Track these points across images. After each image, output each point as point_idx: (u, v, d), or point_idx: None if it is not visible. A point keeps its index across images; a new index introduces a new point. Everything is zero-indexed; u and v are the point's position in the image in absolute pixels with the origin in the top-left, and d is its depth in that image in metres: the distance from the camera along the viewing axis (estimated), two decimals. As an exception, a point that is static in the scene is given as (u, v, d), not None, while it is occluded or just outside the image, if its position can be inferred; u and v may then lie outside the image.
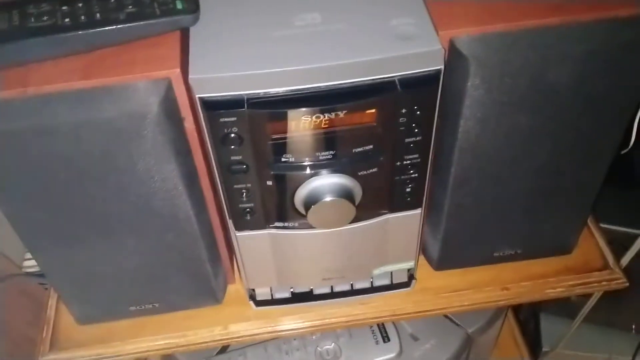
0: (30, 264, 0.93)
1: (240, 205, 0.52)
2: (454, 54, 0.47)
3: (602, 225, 0.73)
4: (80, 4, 0.47)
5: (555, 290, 0.66)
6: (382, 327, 0.78)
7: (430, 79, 0.46)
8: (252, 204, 0.52)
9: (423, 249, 0.67)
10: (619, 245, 0.73)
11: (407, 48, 0.45)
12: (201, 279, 0.62)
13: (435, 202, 0.59)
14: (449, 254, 0.65)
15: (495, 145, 0.53)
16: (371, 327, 0.78)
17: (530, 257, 0.67)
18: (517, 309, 1.06)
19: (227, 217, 0.55)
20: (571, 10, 0.48)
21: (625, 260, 0.82)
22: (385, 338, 0.78)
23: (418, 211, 0.56)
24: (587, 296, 0.95)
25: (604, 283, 0.67)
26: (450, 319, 0.83)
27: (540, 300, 1.06)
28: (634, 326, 1.03)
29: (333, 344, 0.77)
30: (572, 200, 0.61)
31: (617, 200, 0.84)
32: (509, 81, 0.48)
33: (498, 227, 0.62)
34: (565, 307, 1.00)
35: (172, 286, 0.61)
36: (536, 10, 0.48)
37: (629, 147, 0.61)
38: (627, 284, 0.67)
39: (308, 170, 0.49)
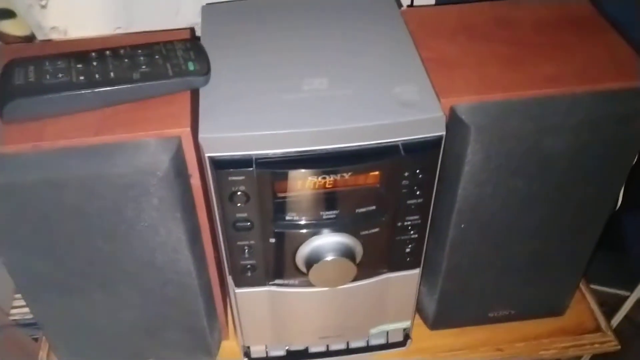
0: (17, 312, 0.92)
1: (241, 262, 0.53)
2: (454, 121, 0.49)
3: (591, 286, 0.74)
4: (94, 63, 0.49)
5: (548, 351, 0.67)
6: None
7: (433, 144, 0.47)
8: (253, 261, 0.52)
9: (418, 309, 0.68)
10: (607, 306, 0.73)
11: (410, 114, 0.47)
12: (197, 333, 0.61)
13: (431, 262, 0.60)
14: (444, 313, 0.65)
15: (493, 208, 0.55)
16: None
17: (524, 318, 0.67)
18: None
19: (227, 272, 0.55)
20: (566, 82, 0.50)
21: (615, 321, 0.83)
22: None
23: (416, 271, 0.57)
24: (576, 358, 0.95)
25: (597, 345, 0.67)
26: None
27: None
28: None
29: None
30: (565, 263, 0.63)
31: (605, 261, 0.85)
32: (506, 148, 0.50)
33: (493, 288, 0.63)
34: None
35: (168, 340, 0.61)
36: (533, 81, 0.50)
37: (616, 208, 0.63)
38: (619, 347, 0.68)
39: (311, 229, 0.50)
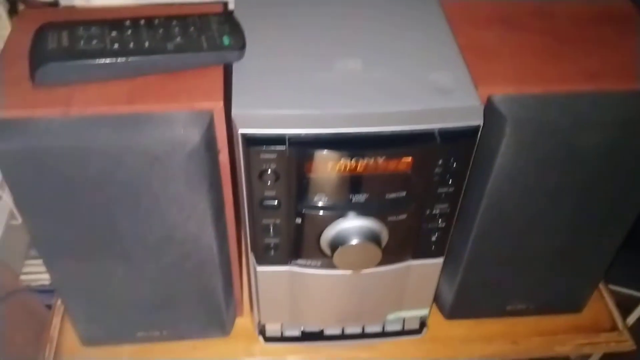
0: (29, 278, 0.92)
1: (265, 240, 0.52)
2: (490, 111, 0.48)
3: (609, 286, 0.73)
4: (129, 31, 0.48)
5: (564, 347, 0.66)
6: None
7: (469, 133, 0.46)
8: (277, 240, 0.52)
9: (436, 297, 0.67)
10: (621, 307, 0.73)
11: (447, 102, 0.46)
12: (213, 309, 0.61)
13: (454, 251, 0.60)
14: (462, 303, 0.65)
15: (521, 201, 0.54)
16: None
17: (541, 313, 0.67)
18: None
19: (249, 250, 0.55)
20: (605, 79, 0.49)
21: (629, 322, 0.82)
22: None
23: (440, 260, 0.56)
24: (586, 356, 0.95)
25: (612, 344, 0.67)
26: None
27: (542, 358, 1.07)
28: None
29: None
30: (589, 261, 0.62)
31: (622, 262, 0.84)
32: (541, 142, 0.49)
33: (513, 281, 0.63)
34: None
35: (183, 314, 0.61)
36: (572, 75, 0.49)
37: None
38: (635, 347, 0.67)
39: (338, 212, 0.49)
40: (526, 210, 0.55)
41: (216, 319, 0.63)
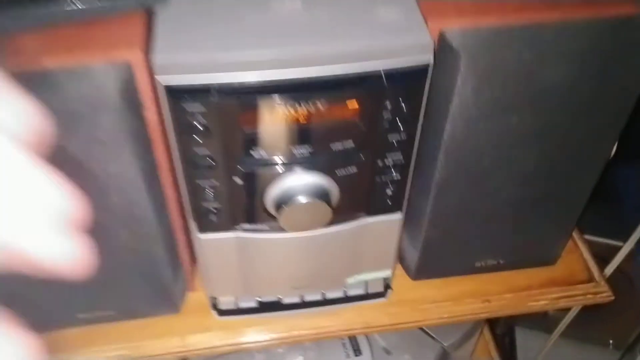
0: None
1: (204, 205, 0.47)
2: (443, 48, 0.43)
3: (584, 236, 0.70)
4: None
5: (538, 302, 0.63)
6: (353, 340, 0.74)
7: (419, 72, 0.42)
8: (217, 204, 0.47)
9: (400, 258, 0.63)
10: (599, 258, 0.69)
11: (394, 38, 0.41)
12: (159, 284, 0.56)
13: (415, 207, 0.56)
14: (428, 263, 0.61)
15: (483, 148, 0.49)
16: (342, 340, 0.74)
17: (513, 268, 0.63)
18: (493, 323, 1.03)
19: (190, 217, 0.50)
20: (569, 8, 0.44)
21: (607, 273, 0.79)
22: (357, 352, 0.74)
23: (398, 215, 0.52)
24: (565, 310, 0.92)
25: (589, 296, 0.64)
26: (426, 332, 0.79)
27: (517, 314, 1.04)
28: (611, 341, 1.01)
29: (301, 357, 0.72)
30: (559, 209, 0.58)
31: (598, 212, 0.81)
32: (500, 79, 0.45)
33: (481, 236, 0.59)
34: (541, 321, 0.97)
35: (127, 291, 0.56)
36: (532, 6, 0.45)
37: (611, 156, 0.58)
38: (613, 298, 0.64)
39: (281, 167, 0.45)
40: (489, 157, 0.50)
41: (163, 294, 0.58)
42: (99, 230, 0.49)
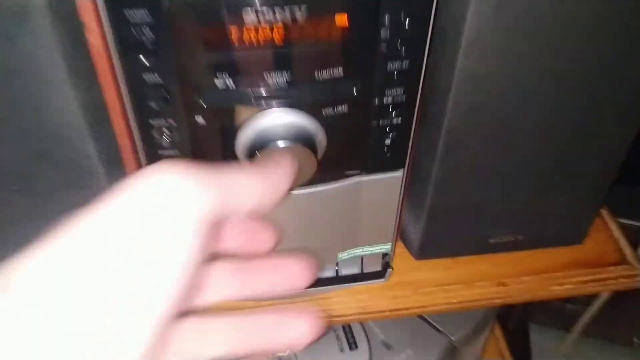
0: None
1: (160, 152, 0.38)
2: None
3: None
4: None
5: (562, 287, 0.54)
6: (348, 331, 0.65)
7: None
8: (176, 151, 0.38)
9: (402, 234, 0.55)
10: (630, 240, 0.60)
11: None
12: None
13: (419, 171, 0.47)
14: (434, 238, 0.52)
15: (502, 89, 0.41)
16: (335, 330, 0.65)
17: (532, 246, 0.54)
18: (504, 318, 0.93)
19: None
20: None
21: None
22: (352, 345, 0.64)
23: (399, 173, 0.43)
24: (583, 304, 0.83)
25: (622, 280, 0.55)
26: (431, 324, 0.70)
27: (530, 308, 0.94)
28: (635, 340, 0.91)
29: (287, 350, 0.63)
30: (589, 176, 0.49)
31: (630, 194, 0.73)
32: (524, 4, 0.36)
33: (496, 205, 0.50)
34: (557, 316, 0.88)
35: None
36: None
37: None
38: (649, 283, 0.55)
39: (254, 103, 0.36)
40: (508, 102, 0.42)
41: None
42: (38, 189, 0.41)
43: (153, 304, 0.20)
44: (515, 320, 0.93)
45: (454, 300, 0.53)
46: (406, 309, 0.52)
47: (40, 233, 0.20)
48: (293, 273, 0.27)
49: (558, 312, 0.86)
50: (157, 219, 0.20)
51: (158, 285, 0.20)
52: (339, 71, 0.35)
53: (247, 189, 0.24)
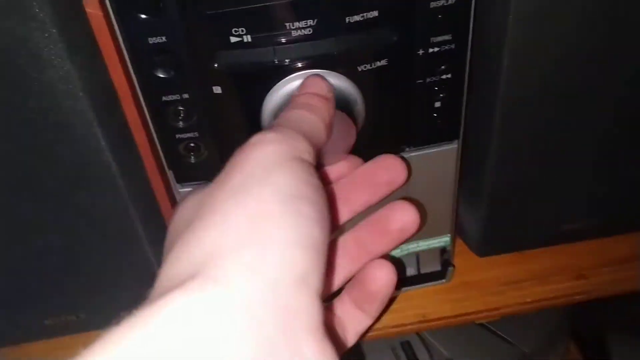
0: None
1: (177, 136, 0.34)
2: None
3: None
4: None
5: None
6: (407, 347, 0.58)
7: None
8: (195, 133, 0.33)
9: (459, 229, 0.48)
10: None
11: None
12: (139, 267, 0.42)
13: (475, 145, 0.41)
14: (497, 230, 0.45)
15: (566, 54, 0.35)
16: (393, 348, 0.58)
17: (613, 233, 0.47)
18: (577, 329, 0.83)
19: (165, 166, 0.36)
20: None
21: None
22: (413, 362, 0.57)
23: (453, 145, 0.37)
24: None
25: None
26: (499, 336, 0.62)
27: (606, 316, 0.84)
28: None
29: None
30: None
31: None
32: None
33: (569, 186, 0.43)
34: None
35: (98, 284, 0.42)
36: None
37: None
38: None
39: (276, 63, 0.31)
40: (579, 58, 0.36)
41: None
42: (45, 196, 0.36)
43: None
44: (589, 330, 0.83)
45: (529, 299, 0.46)
46: (474, 313, 0.45)
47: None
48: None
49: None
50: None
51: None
52: (374, 16, 0.30)
53: (312, 126, 0.26)
